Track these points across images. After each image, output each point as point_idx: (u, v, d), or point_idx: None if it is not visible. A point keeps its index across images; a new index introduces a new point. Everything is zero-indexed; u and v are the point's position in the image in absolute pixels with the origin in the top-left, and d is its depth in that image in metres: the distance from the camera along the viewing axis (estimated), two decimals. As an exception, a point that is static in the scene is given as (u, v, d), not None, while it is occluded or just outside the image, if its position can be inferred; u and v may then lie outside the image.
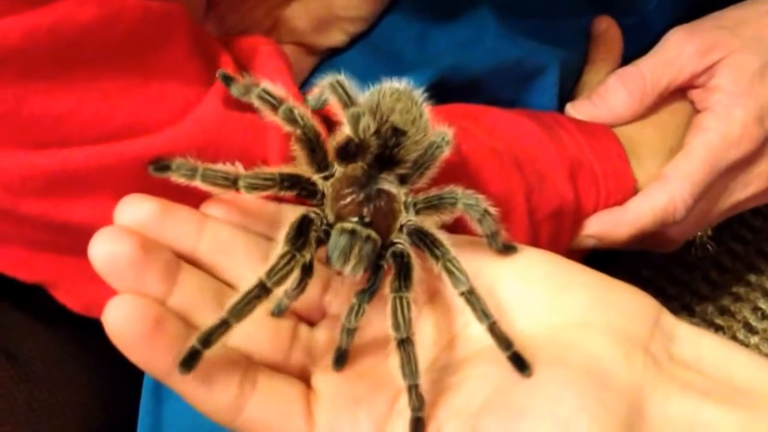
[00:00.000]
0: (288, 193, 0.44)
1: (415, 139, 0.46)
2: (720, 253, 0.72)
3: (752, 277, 0.73)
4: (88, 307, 0.47)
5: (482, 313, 0.41)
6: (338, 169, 0.45)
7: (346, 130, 0.45)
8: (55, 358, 0.60)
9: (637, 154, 0.61)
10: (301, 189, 0.44)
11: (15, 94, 0.40)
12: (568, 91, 0.68)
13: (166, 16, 0.45)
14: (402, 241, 0.44)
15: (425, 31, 0.65)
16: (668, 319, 0.43)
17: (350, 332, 0.42)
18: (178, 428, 0.53)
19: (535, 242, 0.54)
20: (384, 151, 0.45)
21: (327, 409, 0.42)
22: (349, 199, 0.44)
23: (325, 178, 0.45)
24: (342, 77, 0.46)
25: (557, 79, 0.65)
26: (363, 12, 0.64)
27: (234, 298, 0.39)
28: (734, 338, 0.68)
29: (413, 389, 0.40)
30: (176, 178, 0.42)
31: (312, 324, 0.46)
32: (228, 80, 0.45)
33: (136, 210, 0.41)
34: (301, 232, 0.41)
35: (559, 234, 0.57)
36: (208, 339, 0.38)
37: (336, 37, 0.65)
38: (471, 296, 0.41)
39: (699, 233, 0.66)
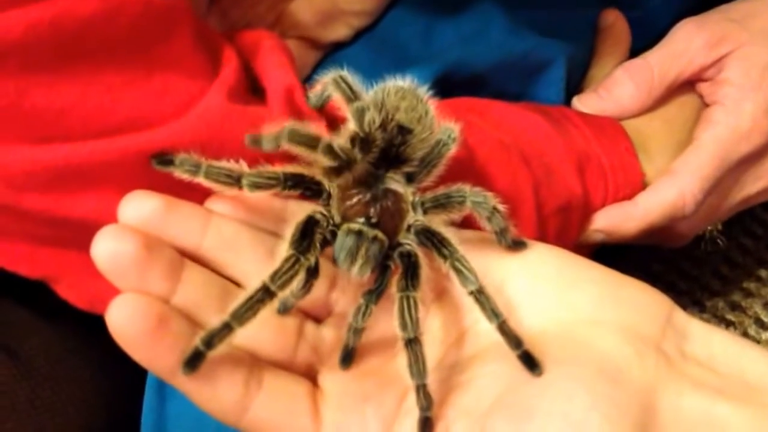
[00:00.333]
0: (291, 193, 0.43)
1: (421, 137, 0.45)
2: (730, 248, 0.71)
3: (763, 273, 0.72)
4: (91, 303, 0.47)
5: (492, 312, 0.40)
6: (346, 171, 0.45)
7: (350, 126, 0.45)
8: (57, 355, 0.59)
9: (645, 148, 0.60)
10: (305, 189, 0.43)
11: (17, 88, 0.40)
12: (575, 85, 0.67)
13: (169, 10, 0.44)
14: (409, 241, 0.43)
15: (430, 25, 0.65)
16: (680, 316, 0.42)
17: (357, 332, 0.42)
18: (181, 426, 0.53)
19: (542, 237, 0.54)
20: (390, 150, 0.45)
21: (334, 407, 0.42)
22: (355, 200, 0.44)
23: (332, 179, 0.44)
24: (345, 73, 0.46)
25: (564, 72, 0.64)
26: (367, 6, 0.64)
27: (237, 302, 0.38)
28: (745, 334, 0.68)
29: (421, 389, 0.40)
30: (179, 173, 0.42)
31: (318, 321, 0.45)
32: (256, 141, 0.44)
33: (139, 206, 0.41)
34: (305, 234, 0.41)
35: (567, 228, 0.56)
36: (211, 341, 0.38)
37: (340, 32, 0.64)
38: (480, 295, 0.41)
39: (709, 228, 0.66)
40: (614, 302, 0.42)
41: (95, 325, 0.42)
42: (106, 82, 0.42)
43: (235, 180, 0.42)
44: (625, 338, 0.41)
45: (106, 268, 0.39)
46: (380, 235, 0.43)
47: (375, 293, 0.42)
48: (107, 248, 0.39)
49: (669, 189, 0.58)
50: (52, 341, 0.60)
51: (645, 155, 0.60)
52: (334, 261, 0.42)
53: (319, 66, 0.64)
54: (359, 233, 0.42)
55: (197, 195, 0.43)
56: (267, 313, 0.39)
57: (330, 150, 0.43)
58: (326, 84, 0.46)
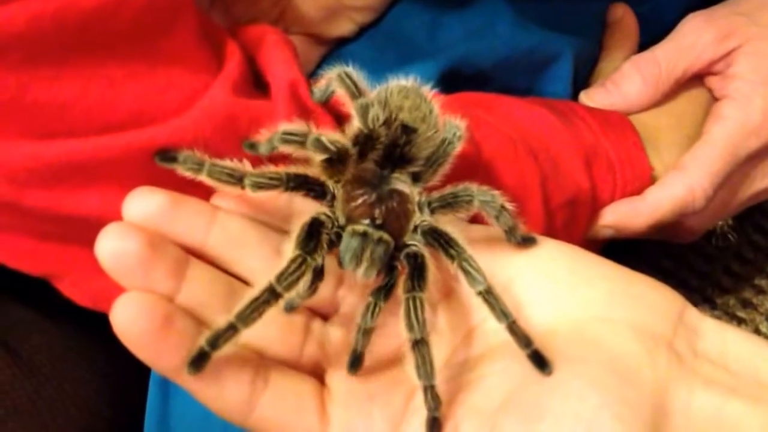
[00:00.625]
0: (294, 194, 0.43)
1: (426, 136, 0.45)
2: (741, 244, 0.70)
3: (774, 269, 0.72)
4: (95, 300, 0.46)
5: (501, 312, 0.40)
6: (350, 171, 0.44)
7: (355, 122, 0.44)
8: (59, 355, 0.59)
9: (653, 143, 0.60)
10: (308, 189, 0.43)
11: (18, 82, 0.40)
12: (582, 81, 0.67)
13: (172, 3, 0.44)
14: (416, 242, 0.43)
15: (436, 19, 0.64)
16: (692, 313, 0.42)
17: (366, 333, 0.41)
18: (185, 424, 0.53)
19: (550, 232, 0.53)
20: (394, 150, 0.44)
21: (341, 406, 0.41)
22: (360, 201, 0.43)
23: (336, 180, 0.44)
24: (350, 68, 0.45)
25: (571, 67, 0.64)
26: (371, 1, 0.63)
27: (242, 303, 0.38)
28: (757, 331, 0.67)
29: (429, 390, 0.39)
30: (182, 171, 0.41)
31: (325, 319, 0.45)
32: (252, 146, 0.44)
33: (144, 203, 0.41)
34: (311, 235, 0.41)
35: (574, 223, 0.56)
36: (216, 342, 0.38)
37: (344, 27, 0.64)
38: (488, 296, 0.40)
39: (719, 223, 0.65)
40: (625, 299, 0.42)
41: (98, 323, 0.42)
42: (108, 76, 0.42)
43: (237, 179, 0.41)
44: (636, 336, 0.40)
45: (110, 266, 0.39)
46: (385, 236, 0.42)
47: (383, 291, 0.41)
48: (111, 246, 0.39)
49: (678, 184, 0.57)
50: (55, 340, 0.60)
51: (653, 150, 0.59)
52: (339, 265, 0.42)
53: (323, 62, 0.64)
54: (364, 235, 0.42)
55: (202, 191, 0.43)
56: (273, 312, 0.39)
57: (319, 143, 0.42)
58: (330, 79, 0.46)
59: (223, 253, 0.42)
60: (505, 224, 0.43)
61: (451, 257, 0.41)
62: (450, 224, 0.43)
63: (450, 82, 0.59)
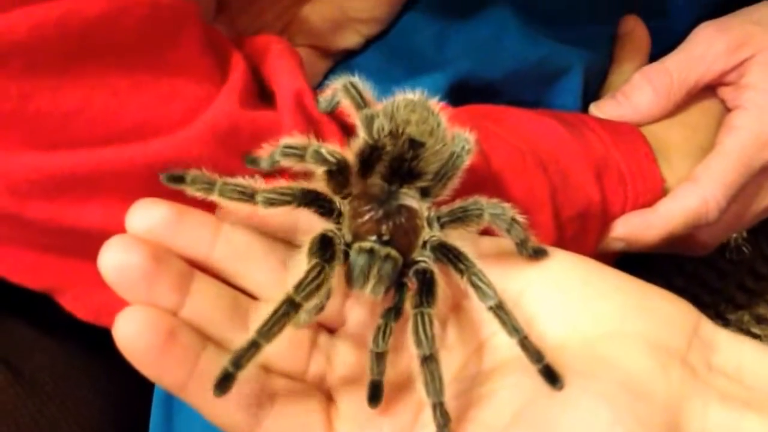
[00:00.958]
0: (305, 209, 0.42)
1: (433, 150, 0.44)
2: (755, 258, 0.69)
3: (790, 285, 0.71)
4: (97, 315, 0.46)
5: (512, 327, 0.39)
6: (357, 186, 0.44)
7: (360, 133, 0.44)
8: (62, 373, 0.59)
9: (665, 154, 0.59)
10: (318, 206, 0.42)
11: (21, 91, 0.39)
12: (592, 94, 0.66)
13: (177, 12, 0.44)
14: (425, 258, 0.42)
15: (443, 32, 0.63)
16: (707, 327, 0.41)
17: (380, 357, 0.40)
18: (189, 442, 0.52)
19: (560, 244, 0.52)
20: (402, 165, 0.44)
21: (349, 422, 0.41)
22: (367, 217, 0.42)
23: (344, 196, 0.43)
24: (355, 79, 0.45)
25: (581, 79, 0.63)
26: (377, 13, 0.63)
27: (261, 318, 0.37)
28: (772, 347, 0.66)
29: (438, 407, 0.38)
30: (192, 191, 0.41)
31: (332, 332, 0.44)
32: (254, 161, 0.43)
33: (147, 215, 0.40)
34: (326, 246, 0.40)
35: (585, 236, 0.55)
36: (239, 362, 0.37)
37: (350, 39, 0.63)
38: (499, 310, 0.39)
39: (733, 236, 0.64)
40: (638, 313, 0.41)
41: (100, 341, 0.42)
42: (112, 85, 0.41)
43: (249, 196, 0.41)
44: (649, 350, 0.39)
45: (113, 280, 0.39)
46: (393, 252, 0.41)
47: (393, 312, 0.40)
48: (114, 259, 0.38)
49: (691, 196, 0.56)
50: (57, 359, 0.59)
51: (665, 161, 0.58)
52: (347, 280, 0.41)
53: (329, 72, 0.63)
54: (371, 251, 0.41)
55: (206, 204, 0.42)
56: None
57: (318, 155, 0.42)
58: (336, 90, 0.45)
59: (228, 266, 0.42)
60: (517, 237, 0.42)
61: (461, 272, 0.41)
62: (459, 238, 0.42)
63: (458, 94, 0.59)
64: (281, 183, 0.42)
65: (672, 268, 0.70)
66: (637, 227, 0.56)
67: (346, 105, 0.45)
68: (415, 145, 0.44)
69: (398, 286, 0.41)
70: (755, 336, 0.67)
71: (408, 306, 0.40)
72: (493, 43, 0.63)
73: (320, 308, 0.40)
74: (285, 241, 0.43)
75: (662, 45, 0.65)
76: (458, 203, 0.43)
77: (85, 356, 0.59)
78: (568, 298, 0.42)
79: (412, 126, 0.44)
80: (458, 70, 0.60)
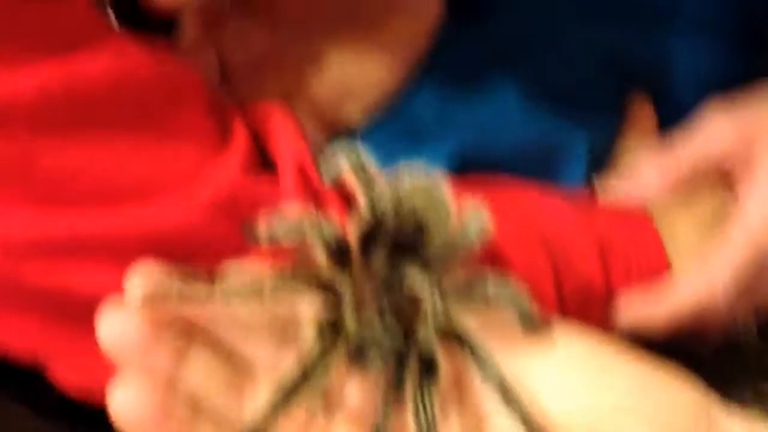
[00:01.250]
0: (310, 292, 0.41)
1: (438, 225, 0.43)
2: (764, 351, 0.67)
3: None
4: (88, 386, 0.45)
5: (514, 404, 0.38)
6: (359, 266, 0.42)
7: (361, 206, 0.43)
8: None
9: (671, 235, 0.57)
10: (323, 287, 0.41)
11: (25, 149, 0.39)
12: (597, 173, 0.65)
13: (181, 76, 0.44)
14: (426, 335, 0.41)
15: (446, 107, 0.63)
16: (718, 411, 0.40)
17: None
18: None
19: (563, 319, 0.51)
20: (405, 240, 0.43)
21: None
22: (367, 295, 0.41)
23: (344, 272, 0.42)
24: (359, 147, 0.44)
25: (585, 158, 0.63)
26: (380, 88, 0.63)
27: (260, 409, 0.36)
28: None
29: None
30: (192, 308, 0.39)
31: (329, 413, 0.42)
32: (252, 232, 0.42)
33: (147, 279, 0.39)
34: (329, 327, 0.40)
35: (588, 313, 0.53)
36: None
37: (353, 113, 0.63)
38: (502, 389, 0.39)
39: (742, 323, 0.63)
40: (645, 392, 0.40)
41: (92, 420, 0.41)
42: (115, 146, 0.41)
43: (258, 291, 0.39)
44: (654, 430, 0.38)
45: (109, 346, 0.37)
46: (394, 331, 0.40)
47: (392, 391, 0.39)
48: (111, 325, 0.38)
49: (699, 280, 0.55)
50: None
51: (671, 242, 0.57)
52: (347, 358, 0.40)
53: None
54: (372, 329, 0.40)
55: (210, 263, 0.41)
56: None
57: (317, 229, 0.41)
58: (338, 158, 0.44)
59: (227, 334, 0.41)
60: (521, 311, 0.41)
61: (463, 346, 0.40)
62: (462, 311, 0.42)
63: (460, 168, 0.58)
64: (288, 268, 0.41)
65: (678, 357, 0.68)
66: (643, 313, 0.55)
67: (348, 174, 0.44)
68: (419, 220, 0.43)
69: (399, 363, 0.40)
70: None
71: (408, 385, 0.39)
72: (496, 120, 0.62)
73: (321, 392, 0.39)
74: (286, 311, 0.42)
75: (670, 126, 0.64)
76: (461, 276, 0.42)
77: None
78: (572, 374, 0.41)
79: (416, 200, 0.43)
80: (460, 145, 0.60)
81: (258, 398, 0.39)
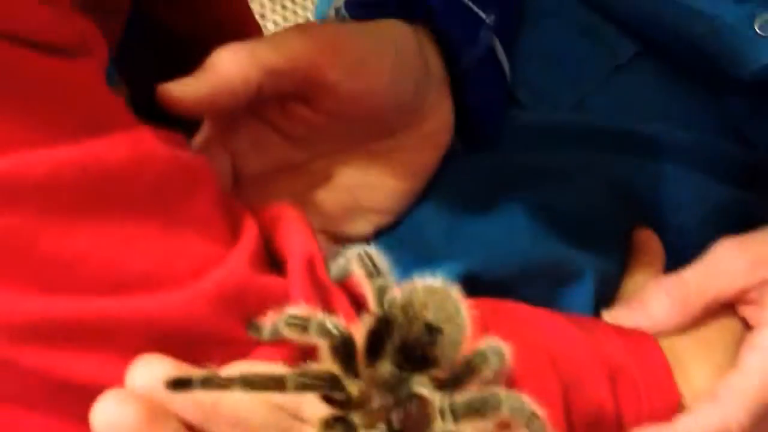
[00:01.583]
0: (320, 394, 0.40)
1: (451, 338, 0.42)
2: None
3: None
4: None
5: None
6: (367, 369, 0.42)
7: (370, 306, 0.42)
8: None
9: (681, 368, 0.56)
10: (331, 389, 0.40)
11: (31, 231, 0.38)
12: (604, 303, 0.64)
13: (194, 169, 0.44)
14: None
15: (454, 226, 0.63)
16: None
17: None
18: None
19: None
20: (416, 350, 0.42)
21: None
22: (376, 404, 0.40)
23: (351, 377, 0.41)
24: (371, 248, 0.44)
25: (593, 285, 0.62)
26: (389, 204, 0.63)
27: None
28: None
29: None
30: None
31: None
32: (256, 329, 0.42)
33: (150, 371, 0.38)
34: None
35: None
36: None
37: (361, 227, 0.63)
38: None
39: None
40: None
41: None
42: (121, 234, 0.40)
43: (279, 384, 0.38)
44: None
45: None
46: None
47: None
48: (108, 413, 0.37)
49: (712, 416, 0.53)
50: None
51: (681, 375, 0.55)
52: None
53: None
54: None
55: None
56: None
57: (322, 328, 0.40)
58: (349, 258, 0.44)
59: None
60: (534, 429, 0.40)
61: None
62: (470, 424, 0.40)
63: (468, 289, 0.57)
64: (310, 365, 0.40)
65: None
66: None
67: (360, 274, 0.43)
68: (432, 330, 0.42)
69: None
70: None
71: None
72: (504, 241, 0.62)
73: None
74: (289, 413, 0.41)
75: (676, 261, 0.64)
76: (474, 393, 0.41)
77: None
78: None
79: (429, 310, 0.42)
80: (468, 265, 0.59)
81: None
